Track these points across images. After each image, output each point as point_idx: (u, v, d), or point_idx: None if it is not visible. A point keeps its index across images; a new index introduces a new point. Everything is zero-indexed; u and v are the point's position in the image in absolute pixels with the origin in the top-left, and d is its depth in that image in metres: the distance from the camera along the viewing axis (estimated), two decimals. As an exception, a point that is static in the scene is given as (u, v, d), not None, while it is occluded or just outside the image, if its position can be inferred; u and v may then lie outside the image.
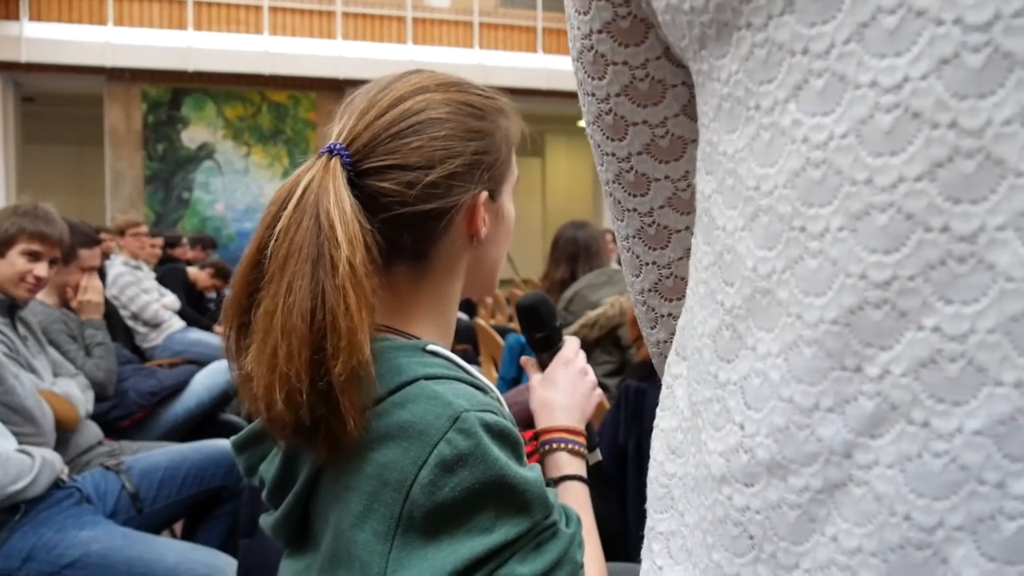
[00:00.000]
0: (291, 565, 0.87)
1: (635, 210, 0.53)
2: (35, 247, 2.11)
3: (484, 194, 0.86)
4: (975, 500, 0.32)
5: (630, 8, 0.47)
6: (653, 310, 0.59)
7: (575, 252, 3.23)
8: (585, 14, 0.49)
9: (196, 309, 5.02)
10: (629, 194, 0.53)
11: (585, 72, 0.50)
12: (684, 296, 0.50)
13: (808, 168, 0.36)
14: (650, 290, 0.58)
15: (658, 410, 0.52)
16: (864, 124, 0.34)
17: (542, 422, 1.05)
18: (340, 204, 0.75)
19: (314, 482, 0.80)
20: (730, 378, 0.42)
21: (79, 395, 2.17)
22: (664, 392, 0.52)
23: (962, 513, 0.33)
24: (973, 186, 0.32)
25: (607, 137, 0.52)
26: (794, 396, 0.38)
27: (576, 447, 1.03)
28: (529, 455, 1.18)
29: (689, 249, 0.49)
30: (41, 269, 2.12)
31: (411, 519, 0.72)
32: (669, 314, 0.59)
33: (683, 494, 0.46)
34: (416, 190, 0.80)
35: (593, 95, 0.51)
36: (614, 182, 0.53)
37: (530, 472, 0.77)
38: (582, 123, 0.56)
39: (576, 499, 0.98)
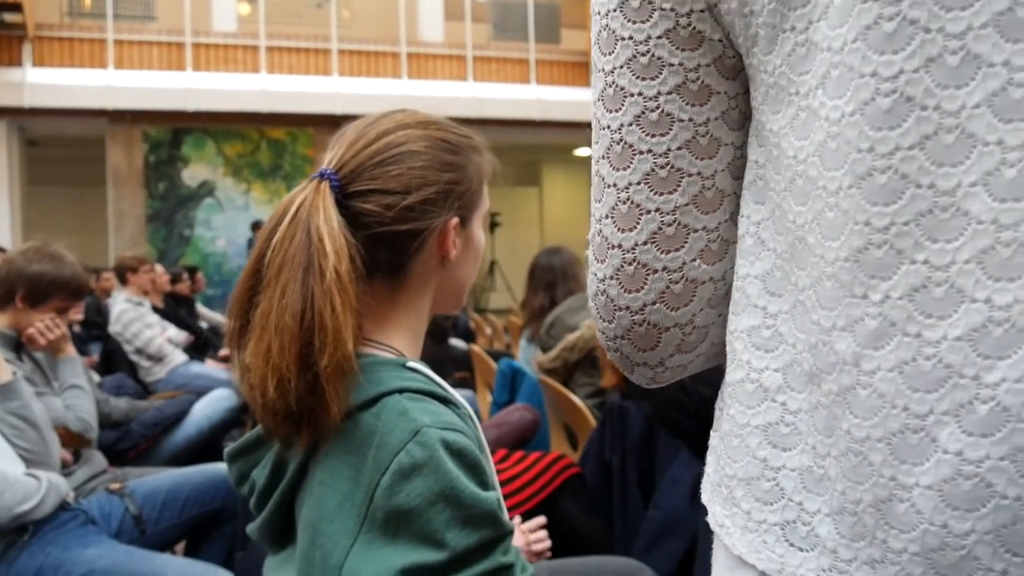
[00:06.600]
0: (272, 560, 0.95)
1: (658, 210, 0.57)
2: (67, 304, 2.24)
3: (455, 220, 0.96)
4: (957, 390, 0.42)
5: (690, 20, 0.54)
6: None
7: (552, 279, 3.30)
8: (644, 22, 0.54)
9: (189, 312, 5.20)
10: (656, 192, 0.57)
11: (634, 74, 0.55)
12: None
13: (827, 140, 0.46)
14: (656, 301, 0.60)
15: (727, 369, 0.60)
16: (867, 105, 0.44)
17: None
18: (328, 221, 0.85)
19: (298, 482, 0.88)
20: (780, 309, 0.53)
21: (90, 413, 2.27)
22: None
23: (947, 401, 0.43)
24: (952, 153, 0.42)
25: (647, 134, 0.56)
26: (820, 320, 0.48)
27: None
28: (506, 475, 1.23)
29: (701, 248, 0.58)
30: (64, 321, 2.27)
31: (373, 519, 0.80)
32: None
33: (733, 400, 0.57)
34: (394, 212, 0.90)
35: (641, 94, 0.55)
36: (640, 182, 0.56)
37: (483, 491, 0.82)
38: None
39: None
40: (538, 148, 12.72)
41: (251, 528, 0.96)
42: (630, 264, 0.58)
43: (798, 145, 0.49)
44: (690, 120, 0.56)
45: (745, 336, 0.56)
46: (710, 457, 0.62)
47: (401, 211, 0.91)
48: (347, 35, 10.78)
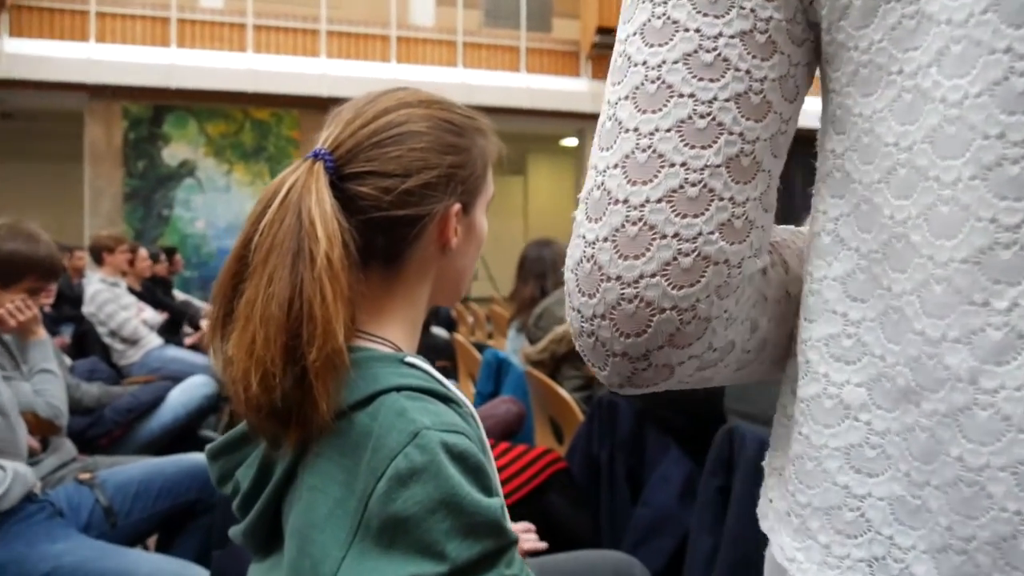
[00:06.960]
0: (257, 568, 0.89)
1: (684, 164, 0.49)
2: (40, 284, 2.17)
3: (457, 206, 0.91)
4: None
5: None
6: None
7: (543, 270, 3.33)
8: None
9: (166, 294, 5.32)
10: (687, 144, 0.48)
11: (694, 7, 0.48)
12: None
13: (944, 125, 0.41)
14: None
15: (794, 379, 0.54)
16: (998, 85, 0.39)
17: None
18: (321, 204, 0.79)
19: (286, 485, 0.83)
20: (864, 315, 0.48)
21: (60, 399, 2.19)
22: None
23: None
24: None
25: (694, 76, 0.48)
26: (925, 329, 0.43)
27: None
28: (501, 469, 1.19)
29: (723, 221, 0.49)
30: (35, 302, 2.20)
31: (368, 528, 0.74)
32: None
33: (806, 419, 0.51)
34: (392, 196, 0.85)
35: (699, 31, 0.48)
36: (671, 129, 0.48)
37: (486, 498, 0.77)
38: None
39: None
40: (525, 137, 12.71)
41: (234, 532, 0.91)
42: (634, 224, 0.48)
43: (900, 131, 0.44)
44: (747, 72, 0.48)
45: (822, 346, 0.50)
46: (772, 481, 0.56)
47: (400, 195, 0.85)
48: (336, 16, 10.68)
